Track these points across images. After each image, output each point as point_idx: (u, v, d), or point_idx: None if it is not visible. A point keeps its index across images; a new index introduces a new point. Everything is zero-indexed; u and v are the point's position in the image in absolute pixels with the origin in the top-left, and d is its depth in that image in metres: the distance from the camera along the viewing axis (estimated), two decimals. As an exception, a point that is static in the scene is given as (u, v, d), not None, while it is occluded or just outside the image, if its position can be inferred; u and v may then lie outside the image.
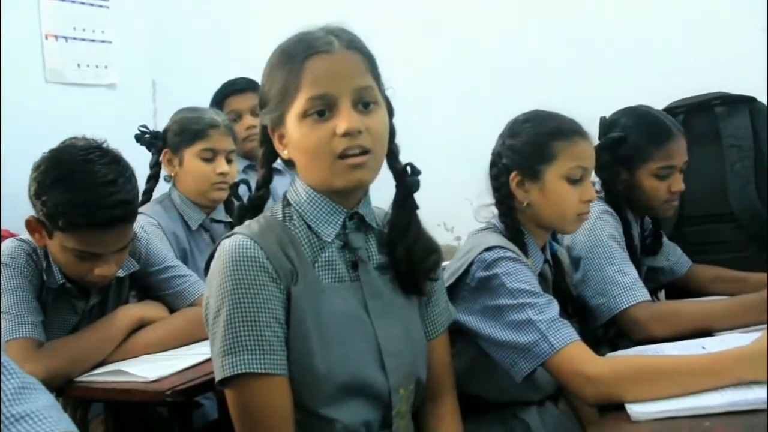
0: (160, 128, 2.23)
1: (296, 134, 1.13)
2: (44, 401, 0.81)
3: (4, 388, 0.79)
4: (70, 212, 1.47)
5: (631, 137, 1.80)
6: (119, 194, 1.50)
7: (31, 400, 0.81)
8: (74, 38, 3.44)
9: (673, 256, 2.02)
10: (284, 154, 1.19)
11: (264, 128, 1.21)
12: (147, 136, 2.19)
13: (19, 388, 0.81)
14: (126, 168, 1.57)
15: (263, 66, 1.22)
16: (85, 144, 1.56)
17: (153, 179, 2.20)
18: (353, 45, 1.15)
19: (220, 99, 2.74)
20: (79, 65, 3.45)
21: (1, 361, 0.80)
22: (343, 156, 1.11)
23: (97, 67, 3.54)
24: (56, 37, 3.37)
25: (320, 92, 1.11)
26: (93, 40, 3.53)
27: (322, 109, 1.11)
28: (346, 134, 1.10)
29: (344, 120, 1.10)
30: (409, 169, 1.26)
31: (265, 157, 1.23)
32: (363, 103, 1.13)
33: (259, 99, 1.22)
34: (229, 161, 2.13)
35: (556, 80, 2.72)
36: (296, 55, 1.13)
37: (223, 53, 3.44)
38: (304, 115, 1.12)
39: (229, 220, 2.17)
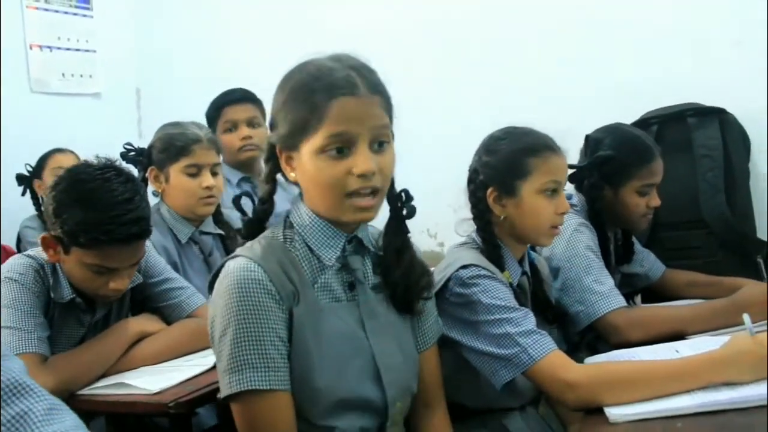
0: (145, 136, 2.26)
1: (311, 167, 1.17)
2: (71, 422, 0.86)
3: (35, 410, 0.83)
4: (91, 230, 1.50)
5: (617, 156, 1.87)
6: (136, 211, 1.54)
7: (59, 420, 0.85)
8: (59, 48, 3.45)
9: (647, 262, 2.09)
10: (291, 175, 1.23)
11: (272, 146, 1.24)
12: (132, 153, 2.22)
13: (48, 409, 0.85)
14: (139, 186, 1.62)
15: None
16: (100, 163, 1.60)
17: None
18: (376, 89, 1.19)
19: (216, 108, 2.68)
20: (63, 75, 3.47)
21: (29, 384, 0.85)
22: (352, 194, 1.16)
23: (81, 76, 3.55)
24: (40, 46, 3.38)
25: (341, 130, 1.14)
26: (77, 50, 3.53)
27: (341, 147, 1.15)
28: (362, 176, 1.15)
29: (362, 162, 1.14)
30: (403, 195, 1.30)
31: (271, 174, 1.27)
32: (378, 143, 1.18)
33: (271, 119, 1.25)
34: (214, 174, 2.15)
35: (536, 92, 2.77)
36: (319, 91, 1.15)
37: (207, 62, 3.46)
38: (322, 150, 1.15)
39: (218, 232, 2.21)
